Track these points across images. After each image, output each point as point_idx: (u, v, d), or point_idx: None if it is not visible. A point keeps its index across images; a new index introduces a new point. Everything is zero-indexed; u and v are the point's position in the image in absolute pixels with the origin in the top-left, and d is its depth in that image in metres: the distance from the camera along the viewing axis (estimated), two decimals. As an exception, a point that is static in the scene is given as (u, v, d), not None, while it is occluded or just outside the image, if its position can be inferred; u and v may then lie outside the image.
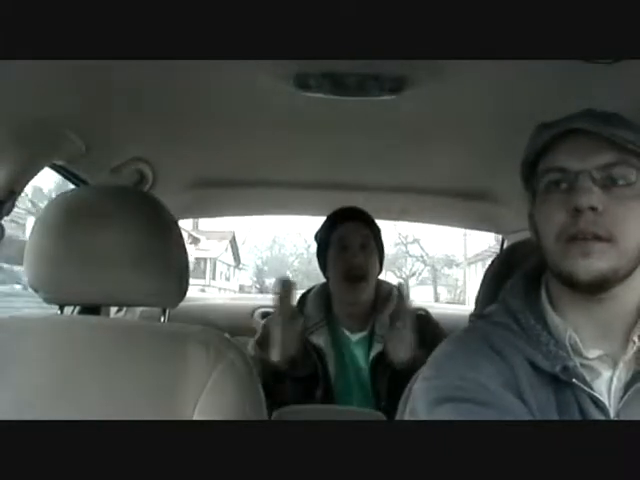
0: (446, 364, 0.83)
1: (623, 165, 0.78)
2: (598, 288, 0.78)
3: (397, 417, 1.02)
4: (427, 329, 1.74)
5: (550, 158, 0.82)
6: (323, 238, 1.79)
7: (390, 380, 1.65)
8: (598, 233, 0.76)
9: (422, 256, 20.83)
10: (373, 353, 1.69)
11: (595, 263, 0.76)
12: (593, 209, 0.76)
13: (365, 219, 1.78)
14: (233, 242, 10.91)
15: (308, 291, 1.87)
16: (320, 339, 1.72)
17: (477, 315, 0.95)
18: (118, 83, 1.27)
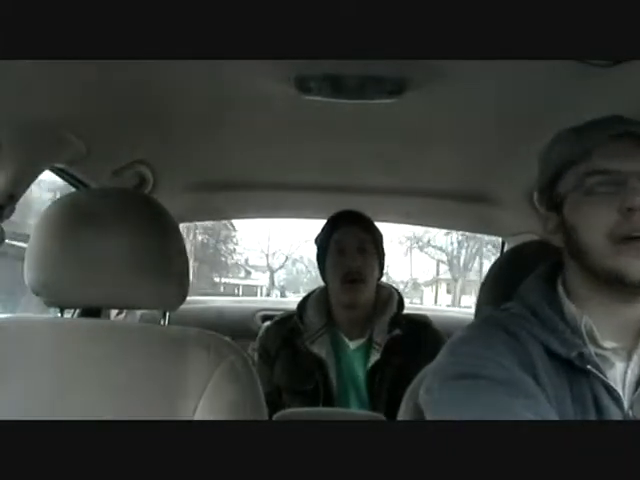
0: (462, 346, 0.86)
1: None
2: None
3: (399, 417, 1.01)
4: (426, 334, 1.73)
5: (594, 161, 0.84)
6: (322, 242, 1.79)
7: (388, 390, 1.64)
8: None
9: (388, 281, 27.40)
10: (370, 362, 1.68)
11: None
12: None
13: (364, 222, 1.77)
14: (271, 271, 16.23)
15: (308, 295, 1.86)
16: (322, 349, 1.71)
17: (493, 309, 0.95)
18: (119, 85, 1.27)
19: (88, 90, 1.26)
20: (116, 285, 1.05)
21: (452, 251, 16.92)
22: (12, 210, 1.29)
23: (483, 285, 1.11)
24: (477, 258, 16.48)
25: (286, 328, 1.78)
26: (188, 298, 1.17)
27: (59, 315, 1.17)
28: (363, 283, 1.70)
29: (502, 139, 1.59)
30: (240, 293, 14.47)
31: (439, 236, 16.52)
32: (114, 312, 2.20)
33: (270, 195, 2.25)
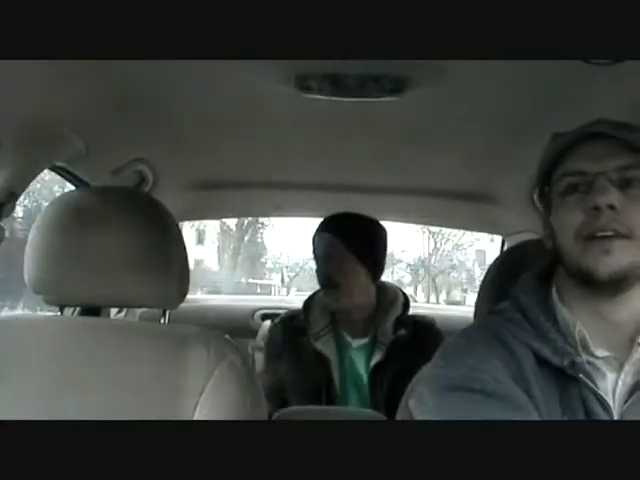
0: (456, 355, 0.85)
1: (638, 167, 0.81)
2: (617, 285, 0.80)
3: (397, 417, 1.02)
4: (431, 336, 1.71)
5: (568, 163, 0.85)
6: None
7: (388, 390, 1.63)
8: (617, 229, 0.78)
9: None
10: (373, 362, 1.67)
11: (615, 259, 0.78)
12: (611, 207, 0.79)
13: (339, 227, 1.74)
14: (282, 274, 18.43)
15: (314, 294, 1.85)
16: (326, 347, 1.70)
17: (489, 311, 0.96)
18: (119, 84, 1.27)
19: (88, 89, 1.26)
20: (116, 283, 1.05)
21: (425, 260, 17.50)
22: (12, 208, 1.29)
23: (483, 284, 1.11)
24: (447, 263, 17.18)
25: (292, 325, 1.78)
26: (188, 297, 1.17)
27: (59, 313, 1.17)
28: (336, 289, 1.69)
29: (502, 138, 1.59)
30: (259, 290, 16.23)
31: (414, 247, 17.23)
32: (114, 310, 2.20)
33: (270, 194, 2.25)
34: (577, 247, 0.81)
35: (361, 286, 1.73)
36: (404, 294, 1.82)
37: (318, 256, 1.74)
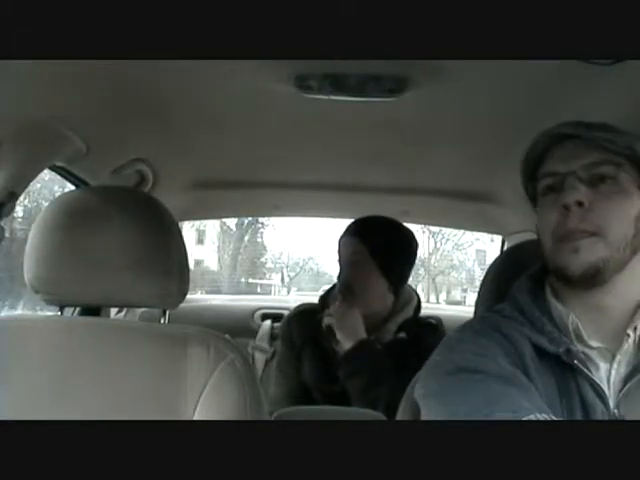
0: (458, 344, 0.88)
1: (605, 164, 0.84)
2: (591, 280, 0.83)
3: (398, 416, 1.02)
4: (433, 340, 1.68)
5: (544, 165, 0.90)
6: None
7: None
8: (586, 228, 0.81)
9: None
10: None
11: (584, 257, 0.81)
12: (580, 204, 0.82)
13: (362, 232, 1.69)
14: (282, 273, 18.42)
15: (331, 289, 1.82)
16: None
17: (487, 310, 0.98)
18: (119, 84, 1.27)
19: (88, 88, 1.26)
20: (116, 283, 1.05)
21: (425, 260, 17.60)
22: (12, 208, 1.29)
23: (483, 284, 1.11)
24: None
25: (312, 322, 1.73)
26: (188, 297, 1.17)
27: (59, 313, 1.17)
28: (353, 297, 1.65)
29: (502, 137, 1.59)
30: (259, 290, 16.63)
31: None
32: (114, 310, 2.20)
33: (270, 194, 2.25)
34: (552, 246, 0.85)
35: (379, 297, 1.70)
36: (418, 297, 1.80)
37: (341, 259, 1.70)
